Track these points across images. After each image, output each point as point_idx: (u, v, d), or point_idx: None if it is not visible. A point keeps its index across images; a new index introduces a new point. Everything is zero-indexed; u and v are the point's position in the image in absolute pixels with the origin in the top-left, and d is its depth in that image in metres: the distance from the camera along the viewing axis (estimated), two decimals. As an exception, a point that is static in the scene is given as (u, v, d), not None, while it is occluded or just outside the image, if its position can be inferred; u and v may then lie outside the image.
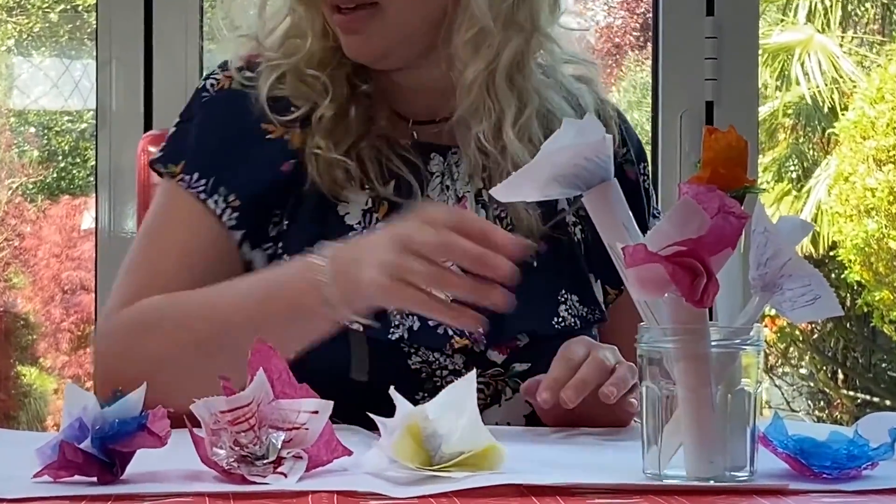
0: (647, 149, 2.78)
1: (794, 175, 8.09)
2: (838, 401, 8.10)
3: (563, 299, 1.64)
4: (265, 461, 1.09)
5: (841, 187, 7.43)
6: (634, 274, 1.07)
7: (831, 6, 7.97)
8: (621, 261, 1.09)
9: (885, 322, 7.58)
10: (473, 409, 1.10)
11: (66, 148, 5.83)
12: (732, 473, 1.10)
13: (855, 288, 7.68)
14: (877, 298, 7.48)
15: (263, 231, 1.60)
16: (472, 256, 1.31)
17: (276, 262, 1.58)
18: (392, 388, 1.10)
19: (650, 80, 2.97)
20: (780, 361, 8.16)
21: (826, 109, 7.99)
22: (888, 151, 7.20)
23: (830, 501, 1.06)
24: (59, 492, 1.05)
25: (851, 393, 8.08)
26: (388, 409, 1.10)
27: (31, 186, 5.85)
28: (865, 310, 7.69)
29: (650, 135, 2.90)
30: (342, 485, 1.06)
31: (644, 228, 1.22)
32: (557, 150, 1.15)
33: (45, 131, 5.80)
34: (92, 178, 3.30)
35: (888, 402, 7.79)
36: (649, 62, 3.00)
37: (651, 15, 2.96)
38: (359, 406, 1.23)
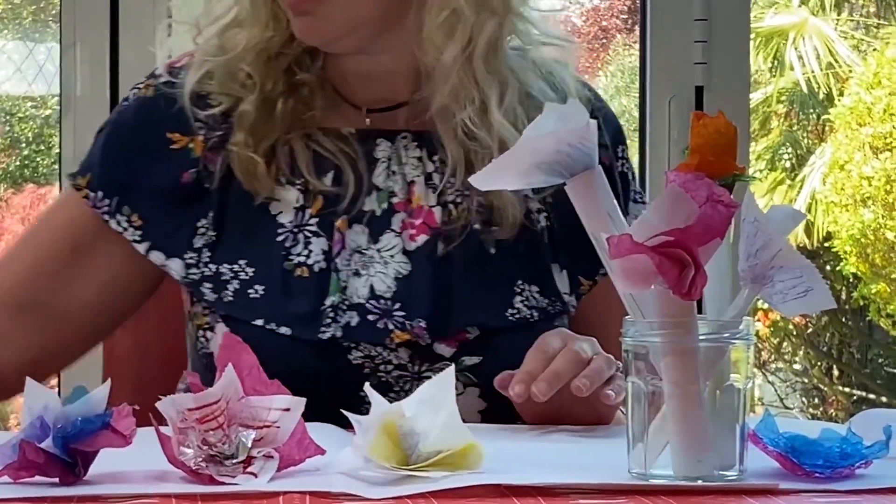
0: (635, 135, 2.76)
1: (787, 164, 8.09)
2: (833, 397, 8.12)
3: (519, 290, 1.61)
4: (235, 461, 1.07)
5: (836, 176, 7.42)
6: (619, 265, 1.05)
7: (826, -12, 7.99)
8: (605, 251, 1.07)
9: (882, 316, 7.59)
10: (452, 406, 1.08)
11: (30, 135, 5.82)
12: (721, 473, 1.09)
13: (851, 280, 7.69)
14: (873, 291, 7.48)
15: (178, 242, 1.61)
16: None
17: (196, 270, 1.59)
18: (367, 384, 1.09)
19: (638, 64, 2.94)
20: (773, 357, 8.17)
21: (821, 95, 7.99)
22: (885, 139, 7.19)
23: (822, 501, 1.05)
24: (20, 493, 1.04)
25: (847, 389, 8.09)
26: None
27: (-7, 175, 5.85)
28: (861, 303, 7.70)
29: (638, 121, 2.87)
30: (315, 485, 1.05)
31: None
32: (539, 136, 1.13)
33: (8, 117, 5.77)
34: (56, 167, 3.26)
35: (885, 399, 7.82)
36: (637, 45, 2.97)
37: (639, -4, 2.94)
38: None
